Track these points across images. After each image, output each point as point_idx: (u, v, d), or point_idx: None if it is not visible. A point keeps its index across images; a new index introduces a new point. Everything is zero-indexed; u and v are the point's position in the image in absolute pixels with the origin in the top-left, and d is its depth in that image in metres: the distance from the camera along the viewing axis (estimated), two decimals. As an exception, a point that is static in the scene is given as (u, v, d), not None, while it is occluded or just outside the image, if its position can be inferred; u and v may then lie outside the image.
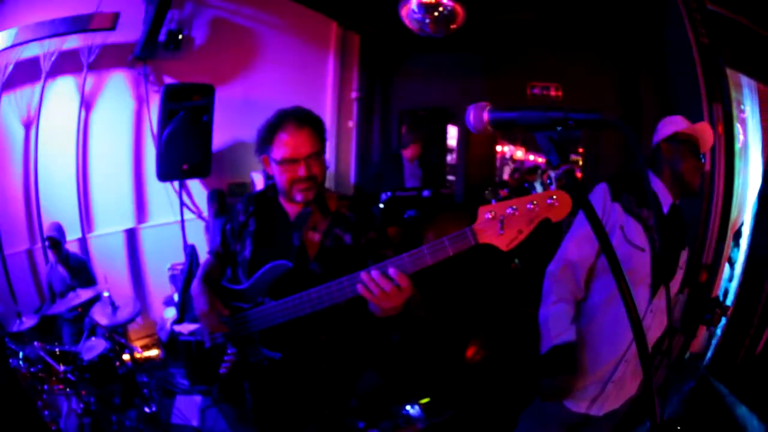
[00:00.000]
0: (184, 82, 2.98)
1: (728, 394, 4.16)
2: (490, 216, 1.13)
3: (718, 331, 4.01)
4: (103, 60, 2.96)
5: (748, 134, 3.97)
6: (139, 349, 2.96)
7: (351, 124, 3.74)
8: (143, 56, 2.98)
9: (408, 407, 2.64)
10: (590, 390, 1.77)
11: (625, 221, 1.61)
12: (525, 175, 5.19)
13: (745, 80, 4.09)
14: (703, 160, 1.69)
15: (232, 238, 1.75)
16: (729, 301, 3.99)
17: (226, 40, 3.33)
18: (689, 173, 1.65)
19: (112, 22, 2.91)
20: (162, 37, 3.02)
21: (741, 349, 4.17)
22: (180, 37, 3.08)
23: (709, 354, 4.08)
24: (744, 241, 4.04)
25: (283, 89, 3.47)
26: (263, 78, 3.40)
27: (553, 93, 3.22)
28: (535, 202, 1.09)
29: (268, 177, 1.72)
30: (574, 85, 3.08)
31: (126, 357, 2.88)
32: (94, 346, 2.86)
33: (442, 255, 1.22)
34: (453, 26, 2.71)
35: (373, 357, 2.45)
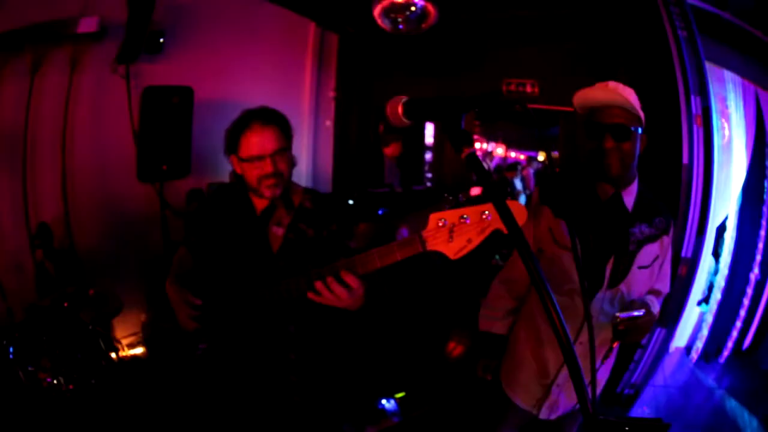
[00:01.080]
0: (164, 85, 2.97)
1: (717, 388, 4.09)
2: (441, 224, 1.11)
3: (704, 326, 3.92)
4: (87, 63, 2.96)
5: (731, 128, 3.88)
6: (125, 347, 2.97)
7: (329, 123, 3.70)
8: (125, 59, 2.98)
9: (384, 401, 2.61)
10: (534, 390, 1.68)
11: (555, 224, 1.55)
12: (505, 171, 5.13)
13: (728, 75, 4.01)
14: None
15: (202, 232, 1.77)
16: (714, 295, 3.90)
17: (206, 42, 3.31)
18: (589, 157, 1.49)
19: (98, 26, 2.93)
20: (144, 40, 3.00)
21: (728, 343, 4.08)
22: (161, 40, 3.07)
23: (695, 348, 3.99)
24: (729, 235, 3.96)
25: (262, 90, 3.44)
26: (242, 79, 3.37)
27: (529, 89, 3.16)
28: (487, 212, 1.07)
29: (236, 175, 1.71)
30: (552, 81, 3.01)
31: (113, 355, 2.88)
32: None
33: (391, 259, 1.22)
34: (425, 25, 2.67)
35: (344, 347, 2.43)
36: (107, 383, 2.83)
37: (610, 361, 1.74)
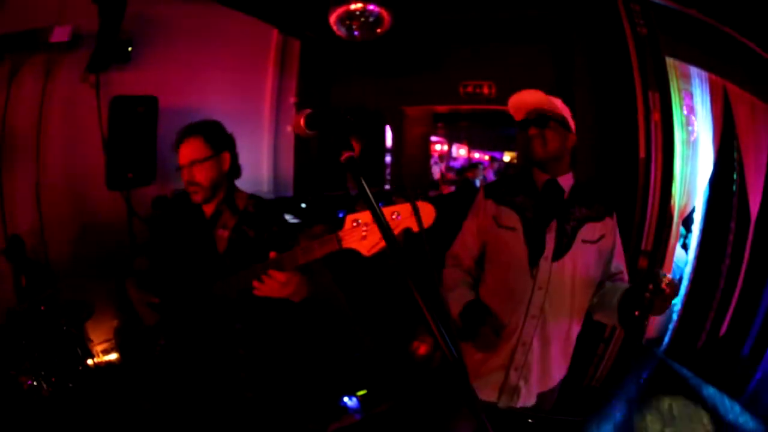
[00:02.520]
0: (130, 94, 2.93)
1: (693, 377, 3.99)
2: (355, 224, 1.16)
3: (674, 316, 3.83)
4: (60, 72, 2.92)
5: (697, 122, 3.80)
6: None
7: (290, 128, 3.64)
8: (95, 69, 2.94)
9: (346, 399, 2.55)
10: (494, 375, 1.66)
11: (498, 211, 1.67)
12: (467, 171, 5.07)
13: (695, 71, 3.92)
14: (521, 129, 1.64)
15: (160, 235, 1.85)
16: (684, 286, 3.82)
17: (173, 50, 3.26)
18: (525, 149, 1.68)
19: (70, 35, 2.89)
20: (113, 49, 2.96)
21: (701, 332, 3.99)
22: (129, 48, 3.03)
23: (666, 339, 3.90)
24: (696, 227, 3.87)
25: (225, 97, 3.39)
26: (206, 86, 3.33)
27: (486, 90, 3.10)
28: (398, 213, 1.09)
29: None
30: (510, 82, 2.94)
31: (90, 362, 2.86)
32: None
33: (312, 256, 1.29)
34: (380, 30, 2.61)
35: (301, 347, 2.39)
36: (84, 387, 2.81)
37: (567, 356, 1.73)
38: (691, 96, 3.82)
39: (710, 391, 3.77)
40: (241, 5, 3.21)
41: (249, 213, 1.74)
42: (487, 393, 1.67)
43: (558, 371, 1.72)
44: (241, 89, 3.52)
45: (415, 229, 1.07)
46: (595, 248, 1.63)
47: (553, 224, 1.61)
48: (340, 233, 1.19)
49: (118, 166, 2.86)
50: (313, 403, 2.56)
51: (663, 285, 1.31)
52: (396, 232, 1.09)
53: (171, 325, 1.69)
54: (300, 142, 3.52)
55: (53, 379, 2.78)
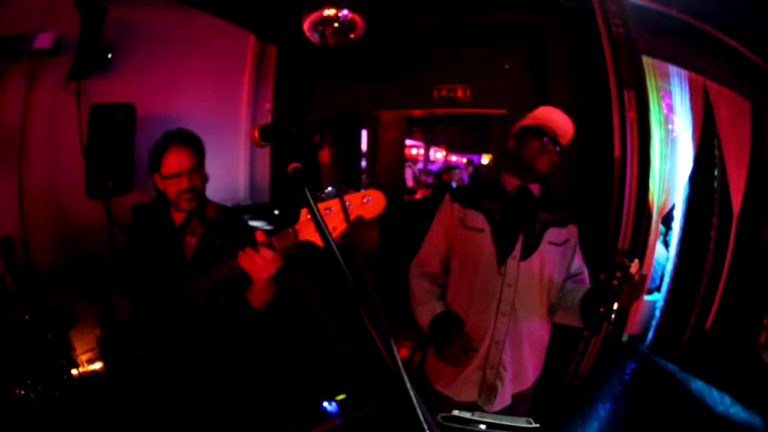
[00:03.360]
0: (108, 102, 2.87)
1: (679, 371, 3.93)
2: (309, 217, 1.14)
3: (657, 312, 3.77)
4: (43, 79, 2.87)
5: (676, 120, 3.74)
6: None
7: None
8: (76, 76, 2.89)
9: (325, 403, 2.49)
10: (471, 375, 1.63)
11: (464, 214, 1.67)
12: (443, 174, 4.99)
13: (674, 69, 3.87)
14: (546, 140, 1.61)
15: (134, 243, 1.86)
16: (666, 282, 3.76)
17: (151, 56, 3.18)
18: (528, 153, 1.63)
19: (53, 42, 2.84)
20: (94, 56, 2.91)
21: (687, 327, 3.93)
22: (109, 56, 2.97)
23: (650, 335, 3.83)
24: (677, 224, 3.81)
25: (202, 103, 3.32)
26: (184, 93, 3.25)
27: (460, 94, 3.04)
28: (350, 203, 1.10)
29: (158, 191, 1.80)
30: (486, 85, 2.87)
31: (74, 372, 2.81)
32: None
33: (274, 249, 1.31)
34: (352, 36, 2.56)
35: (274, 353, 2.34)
36: (69, 396, 2.75)
37: (540, 355, 1.71)
38: (670, 94, 3.77)
39: (698, 385, 3.72)
40: (219, 11, 3.15)
41: (216, 221, 1.76)
42: (468, 392, 1.65)
43: (532, 371, 1.69)
44: (218, 95, 3.45)
45: (367, 217, 1.11)
46: (560, 250, 1.64)
47: (522, 227, 1.61)
48: (296, 226, 1.19)
49: (97, 175, 2.80)
50: (293, 407, 2.50)
51: (631, 270, 1.27)
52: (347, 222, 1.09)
53: (145, 332, 1.71)
54: (276, 149, 3.45)
55: (39, 388, 2.74)
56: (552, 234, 1.62)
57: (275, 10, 2.87)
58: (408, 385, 0.75)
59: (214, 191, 2.25)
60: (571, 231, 1.67)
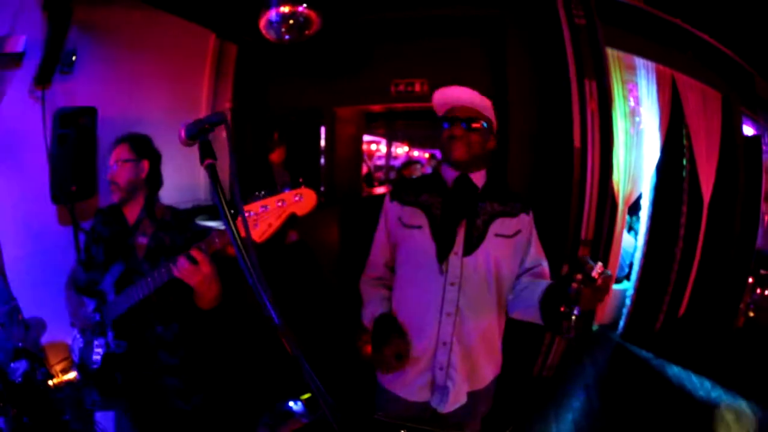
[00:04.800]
0: (71, 106, 2.75)
1: (654, 358, 3.82)
2: (247, 214, 1.17)
3: (628, 301, 3.66)
4: (12, 83, 2.74)
5: (643, 111, 3.63)
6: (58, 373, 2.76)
7: (224, 134, 3.45)
8: (42, 80, 2.77)
9: (291, 403, 2.36)
10: (420, 377, 1.50)
11: (402, 212, 1.54)
12: (403, 170, 4.84)
13: (640, 62, 3.77)
14: (447, 126, 1.46)
15: (93, 245, 1.86)
16: (635, 270, 3.65)
17: (114, 58, 3.05)
18: (443, 144, 1.50)
19: (24, 46, 2.71)
20: (59, 60, 2.79)
21: (659, 314, 3.82)
22: (73, 58, 2.85)
23: (621, 323, 3.72)
24: (645, 213, 3.70)
25: (161, 104, 3.18)
26: (145, 93, 3.12)
27: (418, 88, 2.92)
28: (284, 200, 1.13)
29: None
30: (444, 78, 2.74)
31: (50, 382, 2.69)
32: (18, 366, 2.69)
33: (213, 247, 1.38)
34: (308, 32, 2.44)
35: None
36: (46, 410, 2.62)
37: (495, 353, 1.56)
38: (636, 86, 3.66)
39: (674, 371, 3.61)
40: (180, 11, 3.02)
41: (166, 221, 1.76)
42: (420, 393, 1.52)
43: (489, 369, 1.55)
44: (178, 96, 3.32)
45: (299, 213, 1.13)
46: (510, 243, 1.47)
47: (463, 220, 1.45)
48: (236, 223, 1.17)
49: (61, 180, 2.68)
50: (258, 408, 2.39)
51: (594, 274, 1.10)
52: (282, 218, 1.14)
53: (104, 329, 1.71)
54: (236, 147, 3.33)
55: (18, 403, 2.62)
56: (499, 225, 1.45)
57: (236, 9, 2.75)
58: (310, 374, 0.75)
59: (174, 192, 2.13)
60: (523, 221, 1.50)
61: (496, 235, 1.44)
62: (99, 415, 2.61)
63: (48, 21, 2.78)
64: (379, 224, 1.63)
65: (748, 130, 4.62)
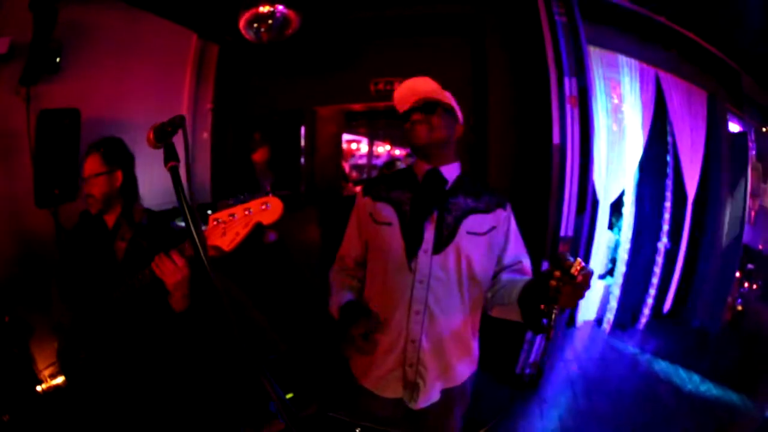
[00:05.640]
0: (55, 108, 2.70)
1: (640, 353, 3.76)
2: (216, 222, 1.17)
3: (612, 297, 3.60)
4: None
5: (625, 109, 3.58)
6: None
7: (206, 135, 3.40)
8: (27, 81, 2.71)
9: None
10: (391, 374, 1.45)
11: (374, 208, 1.48)
12: (383, 169, 4.77)
13: (623, 60, 3.71)
14: (406, 117, 1.42)
15: (75, 250, 1.83)
16: (618, 266, 3.59)
17: (97, 59, 2.99)
18: (407, 136, 1.44)
19: (8, 47, 2.66)
20: (44, 60, 2.73)
21: (645, 309, 3.77)
22: (58, 59, 2.80)
23: (605, 319, 3.66)
24: (628, 209, 3.64)
25: (143, 105, 3.12)
26: (127, 94, 3.07)
27: (397, 87, 2.83)
28: (251, 209, 1.12)
29: None
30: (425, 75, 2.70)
31: (38, 387, 2.65)
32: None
33: (183, 255, 1.36)
34: (288, 32, 2.39)
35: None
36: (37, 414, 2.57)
37: (469, 351, 1.49)
38: (619, 84, 3.60)
39: (662, 366, 3.55)
40: (163, 11, 2.97)
41: (143, 225, 1.75)
42: (392, 389, 1.47)
43: (462, 367, 1.49)
44: (159, 97, 3.26)
45: (266, 222, 1.10)
46: (483, 240, 1.39)
47: (434, 216, 1.37)
48: (206, 232, 1.19)
49: (44, 183, 2.62)
50: (241, 409, 2.33)
51: (573, 271, 1.04)
52: (249, 227, 1.13)
53: (86, 334, 1.69)
54: (216, 148, 3.29)
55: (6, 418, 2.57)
56: (472, 222, 1.38)
57: (218, 9, 2.69)
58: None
59: (154, 194, 2.09)
60: (498, 217, 1.42)
61: (468, 232, 1.38)
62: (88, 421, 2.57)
63: (34, 22, 2.74)
64: (351, 219, 1.57)
65: (734, 128, 4.57)
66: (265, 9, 2.40)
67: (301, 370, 2.32)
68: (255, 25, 2.45)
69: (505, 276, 1.42)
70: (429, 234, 1.37)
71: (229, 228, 1.16)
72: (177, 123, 1.09)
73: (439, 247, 1.36)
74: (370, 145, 4.66)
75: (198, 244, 0.91)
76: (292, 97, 3.13)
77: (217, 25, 2.93)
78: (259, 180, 3.13)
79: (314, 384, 2.32)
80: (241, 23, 2.47)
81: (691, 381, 3.29)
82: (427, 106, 1.38)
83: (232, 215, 1.15)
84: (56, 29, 2.76)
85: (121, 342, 1.67)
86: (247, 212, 1.13)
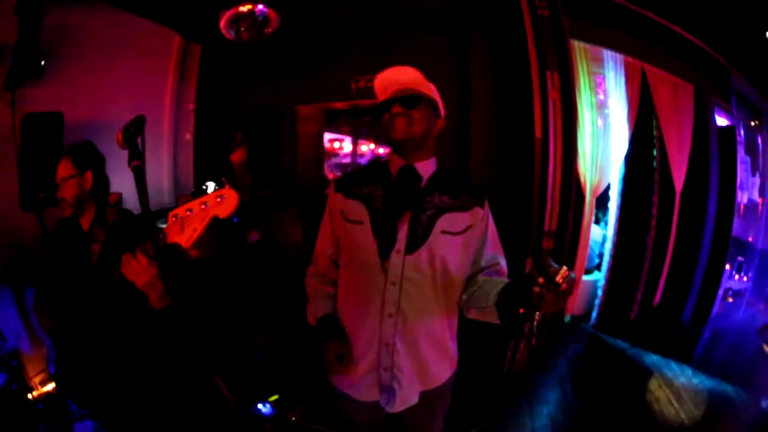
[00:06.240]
0: (38, 111, 2.66)
1: (630, 347, 3.71)
2: (174, 219, 1.14)
3: (599, 292, 3.55)
4: None
5: (611, 103, 3.53)
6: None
7: (189, 136, 3.36)
8: (12, 85, 2.67)
9: (259, 405, 2.26)
10: (366, 378, 1.38)
11: (346, 205, 1.39)
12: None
13: (608, 54, 3.66)
14: (386, 108, 1.31)
15: (52, 253, 1.82)
16: (605, 261, 3.54)
17: (80, 61, 2.94)
18: (385, 129, 1.34)
19: None
20: (29, 64, 2.69)
21: (633, 304, 3.72)
22: (42, 63, 2.76)
23: (594, 314, 3.61)
24: (614, 203, 3.59)
25: (126, 107, 3.06)
26: (110, 96, 3.01)
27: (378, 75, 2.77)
28: (207, 203, 1.09)
29: None
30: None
31: (29, 395, 2.61)
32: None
33: (147, 255, 1.29)
34: (268, 30, 2.35)
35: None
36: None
37: (447, 352, 1.42)
38: (604, 78, 3.55)
39: (653, 359, 3.50)
40: (146, 12, 2.93)
41: (117, 226, 1.70)
42: (367, 393, 1.41)
43: (441, 369, 1.43)
44: (143, 98, 3.22)
45: (221, 215, 1.08)
46: (459, 240, 1.32)
47: (407, 215, 1.30)
48: (165, 229, 1.17)
49: (29, 187, 2.58)
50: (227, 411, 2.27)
51: (558, 279, 0.99)
52: (205, 222, 1.10)
53: (69, 342, 1.68)
54: (199, 149, 3.25)
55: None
56: (447, 221, 1.31)
57: (201, 9, 2.65)
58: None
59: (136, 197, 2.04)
60: (476, 215, 1.34)
61: (443, 231, 1.30)
62: (77, 426, 2.52)
63: (20, 25, 2.69)
64: (324, 216, 1.49)
65: (722, 122, 4.53)
66: (245, 8, 2.37)
67: (285, 371, 2.27)
68: (235, 24, 2.41)
69: (480, 278, 1.34)
70: (402, 233, 1.29)
71: (187, 224, 1.13)
72: (139, 123, 1.09)
73: (412, 247, 1.29)
74: (354, 144, 4.55)
75: (155, 242, 0.93)
76: (272, 96, 3.08)
77: (199, 25, 2.88)
78: (238, 181, 3.09)
79: (299, 385, 2.27)
80: (222, 23, 2.43)
81: (684, 374, 3.24)
82: (409, 99, 1.29)
83: (190, 210, 1.12)
84: (43, 33, 2.73)
85: (105, 345, 1.64)
86: (203, 206, 1.09)
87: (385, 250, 1.29)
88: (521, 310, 1.09)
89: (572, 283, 1.01)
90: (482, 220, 1.36)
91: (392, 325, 1.32)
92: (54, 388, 2.79)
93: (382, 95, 1.35)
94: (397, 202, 1.31)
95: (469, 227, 1.33)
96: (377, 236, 1.30)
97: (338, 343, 1.33)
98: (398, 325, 1.32)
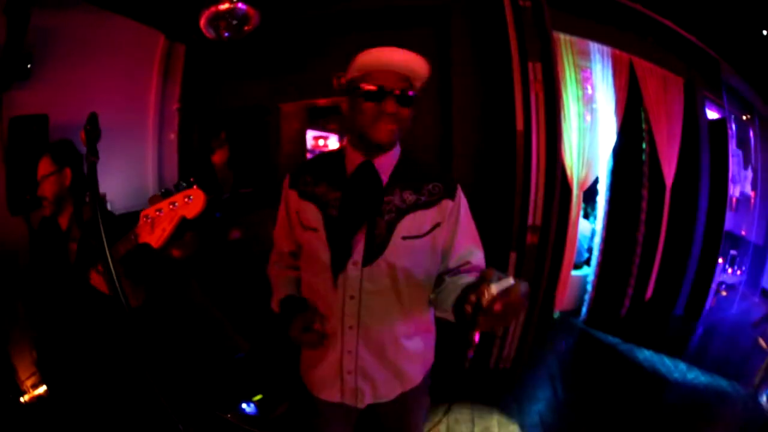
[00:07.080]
0: (24, 114, 2.62)
1: (621, 343, 3.62)
2: (145, 219, 1.13)
3: (589, 287, 3.46)
4: None
5: (597, 96, 3.44)
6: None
7: (173, 136, 3.32)
8: (1, 89, 2.64)
9: (244, 405, 2.19)
10: (332, 381, 1.28)
11: (300, 206, 1.23)
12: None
13: (595, 47, 3.58)
14: (374, 98, 1.07)
15: (34, 254, 1.84)
16: (594, 256, 3.45)
17: (66, 63, 2.88)
18: (362, 120, 1.10)
19: None
20: (14, 66, 2.66)
21: (624, 299, 3.62)
22: (29, 66, 2.72)
23: (584, 309, 3.51)
24: (602, 197, 3.50)
25: (111, 107, 3.01)
26: (95, 97, 2.96)
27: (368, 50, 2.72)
28: (176, 203, 1.07)
29: None
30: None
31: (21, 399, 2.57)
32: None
33: (118, 254, 1.24)
34: (247, 28, 2.30)
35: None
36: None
37: (417, 352, 1.29)
38: (590, 71, 3.47)
39: (646, 355, 3.41)
40: (130, 12, 2.88)
41: (90, 223, 1.68)
42: (330, 393, 1.30)
43: (414, 369, 1.32)
44: (127, 99, 3.17)
45: (189, 216, 1.06)
46: (424, 243, 1.16)
47: (364, 223, 1.14)
48: (136, 230, 1.17)
49: (16, 190, 2.55)
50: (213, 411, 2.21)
51: (483, 302, 0.84)
52: (174, 222, 1.08)
53: (52, 342, 1.72)
54: (183, 148, 3.20)
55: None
56: (409, 224, 1.14)
57: (185, 8, 2.60)
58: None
59: (122, 195, 2.04)
60: (444, 210, 1.17)
61: (404, 237, 1.13)
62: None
63: (7, 27, 2.66)
64: (280, 210, 1.33)
65: (712, 115, 4.44)
66: (224, 6, 2.31)
67: (268, 370, 2.19)
68: (215, 22, 2.35)
69: (447, 278, 1.19)
70: (359, 243, 1.14)
71: (156, 224, 1.11)
72: (92, 120, 1.15)
73: (370, 258, 1.13)
74: (341, 141, 4.41)
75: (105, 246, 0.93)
76: (254, 94, 3.03)
77: (183, 24, 2.84)
78: (220, 181, 3.03)
79: (284, 383, 2.20)
80: (202, 21, 2.38)
81: (678, 369, 3.15)
82: (406, 98, 1.09)
83: (159, 210, 1.10)
84: (29, 34, 2.69)
85: (88, 345, 1.65)
86: (172, 206, 1.08)
87: (339, 262, 1.15)
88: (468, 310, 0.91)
89: (512, 304, 0.84)
90: (452, 213, 1.19)
91: (354, 336, 1.20)
92: (45, 391, 2.76)
93: (369, 79, 1.09)
94: (353, 209, 1.15)
95: (437, 225, 1.16)
96: (331, 246, 1.15)
97: (302, 316, 1.18)
98: (360, 336, 1.20)
